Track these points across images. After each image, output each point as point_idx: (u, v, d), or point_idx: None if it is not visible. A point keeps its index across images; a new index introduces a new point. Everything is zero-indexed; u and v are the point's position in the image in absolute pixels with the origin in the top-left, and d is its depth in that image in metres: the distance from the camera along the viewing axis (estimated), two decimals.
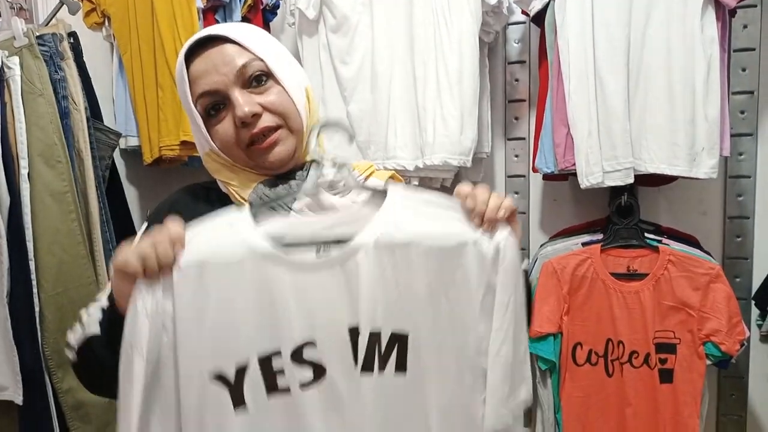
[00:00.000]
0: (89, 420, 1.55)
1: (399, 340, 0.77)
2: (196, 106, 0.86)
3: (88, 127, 1.60)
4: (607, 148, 1.39)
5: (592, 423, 1.48)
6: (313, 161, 0.81)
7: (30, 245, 1.49)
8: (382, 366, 0.76)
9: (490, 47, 1.67)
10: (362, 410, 0.76)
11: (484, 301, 0.77)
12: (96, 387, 0.88)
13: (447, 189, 1.60)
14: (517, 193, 1.78)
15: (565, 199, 1.75)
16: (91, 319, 0.83)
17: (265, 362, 0.74)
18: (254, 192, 0.85)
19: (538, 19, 1.48)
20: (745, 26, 1.53)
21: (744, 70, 1.55)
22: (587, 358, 1.48)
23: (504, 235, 0.77)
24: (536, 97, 1.65)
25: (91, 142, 1.60)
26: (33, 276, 1.49)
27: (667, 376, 1.42)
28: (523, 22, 1.69)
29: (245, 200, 0.86)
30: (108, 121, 1.79)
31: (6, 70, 1.50)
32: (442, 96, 1.45)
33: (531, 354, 1.39)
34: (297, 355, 0.75)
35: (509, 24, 1.69)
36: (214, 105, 0.85)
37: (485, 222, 0.76)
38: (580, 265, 1.47)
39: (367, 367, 0.76)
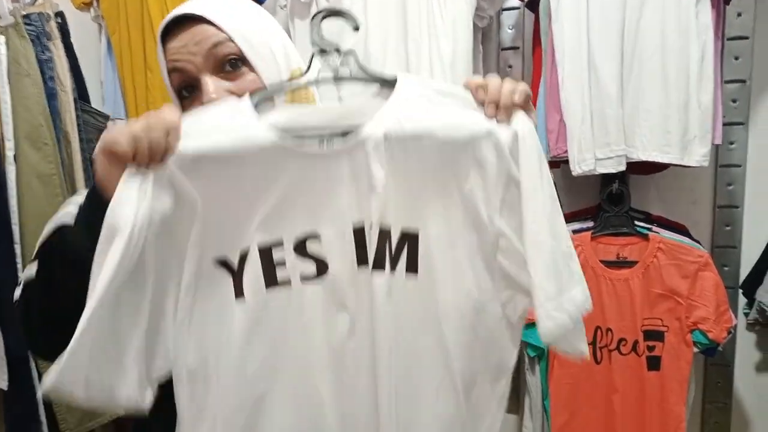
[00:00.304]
0: (75, 407, 1.54)
1: (409, 239, 0.72)
2: (169, 86, 0.82)
3: (76, 109, 1.58)
4: (599, 135, 1.39)
5: (579, 409, 1.49)
6: (315, 51, 0.73)
7: (16, 228, 1.48)
8: (393, 266, 0.71)
9: (484, 32, 1.65)
10: (368, 310, 0.71)
11: (507, 195, 0.70)
12: (55, 307, 0.71)
13: None
14: None
15: (557, 187, 1.73)
16: (58, 218, 0.75)
17: (266, 253, 0.71)
18: None
19: (533, 4, 1.47)
20: (739, 14, 1.53)
21: (737, 58, 1.55)
22: None
23: (522, 120, 0.69)
24: (529, 84, 1.64)
25: (78, 125, 1.58)
26: (18, 260, 1.47)
27: (654, 363, 1.43)
28: (518, 8, 1.68)
29: None
30: (96, 103, 1.76)
31: None
32: (440, 40, 1.44)
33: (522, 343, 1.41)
34: (300, 248, 0.71)
35: (503, 9, 1.67)
36: (186, 86, 0.80)
37: (500, 109, 0.69)
38: None
39: (377, 265, 0.71)
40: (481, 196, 0.71)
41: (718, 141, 1.40)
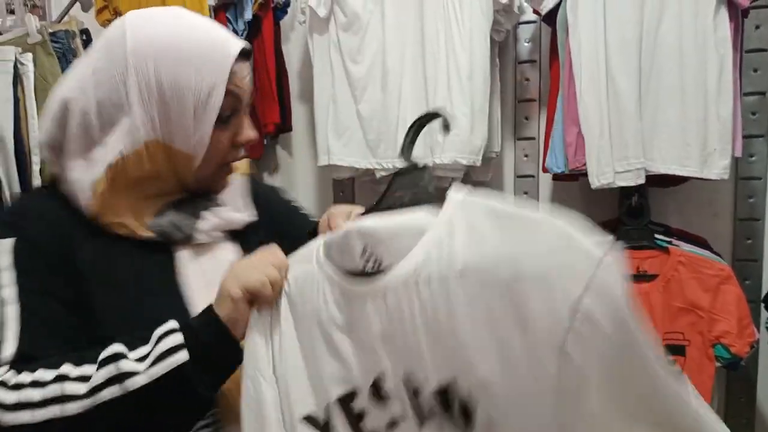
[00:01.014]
0: None
1: (449, 392, 0.59)
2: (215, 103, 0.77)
3: None
4: (618, 148, 1.39)
5: None
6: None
7: None
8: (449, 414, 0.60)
9: (501, 46, 1.66)
10: None
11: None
12: None
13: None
14: (526, 193, 1.77)
15: (575, 200, 1.74)
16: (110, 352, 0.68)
17: (345, 403, 0.65)
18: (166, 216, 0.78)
19: (550, 18, 1.48)
20: (757, 27, 1.53)
21: (756, 71, 1.54)
22: None
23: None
24: (547, 97, 1.65)
25: None
26: None
27: None
28: (534, 22, 1.68)
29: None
30: None
31: (20, 66, 1.52)
32: (453, 94, 1.46)
33: None
34: (376, 390, 0.64)
35: (520, 23, 1.68)
36: (232, 112, 0.78)
37: None
38: None
39: (422, 418, 0.62)
40: (543, 342, 0.53)
41: (738, 153, 1.39)
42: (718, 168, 1.36)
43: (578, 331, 0.51)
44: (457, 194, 0.60)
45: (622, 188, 1.49)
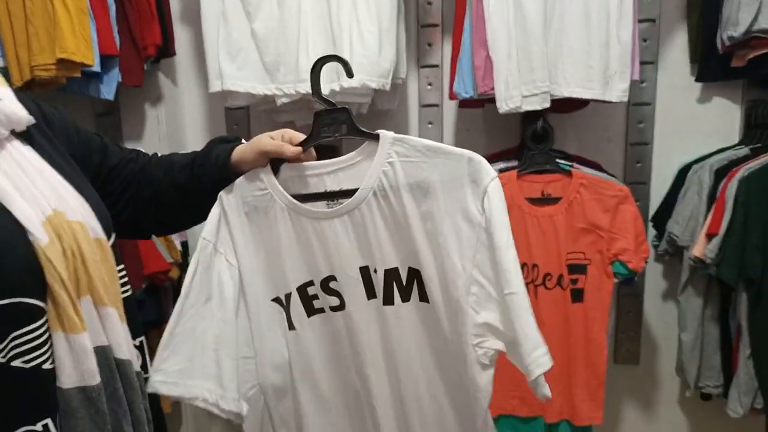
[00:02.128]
0: None
1: (416, 275, 0.89)
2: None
3: None
4: (525, 71, 1.38)
5: None
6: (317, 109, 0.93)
7: None
8: (406, 297, 0.91)
9: None
10: (379, 336, 0.92)
11: (480, 241, 0.85)
12: None
13: (363, 117, 1.52)
14: (430, 123, 1.74)
15: (478, 129, 1.73)
16: None
17: (303, 290, 0.93)
18: None
19: None
20: None
21: None
22: None
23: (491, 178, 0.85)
24: (450, 23, 1.60)
25: None
26: None
27: (578, 295, 1.47)
28: None
29: None
30: None
31: None
32: (359, 10, 1.36)
33: None
34: (325, 286, 0.92)
35: None
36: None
37: None
38: None
39: (387, 300, 0.91)
40: (459, 245, 0.86)
41: (636, 77, 1.43)
42: (618, 90, 1.39)
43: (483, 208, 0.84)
44: (387, 133, 0.88)
45: (524, 115, 1.50)
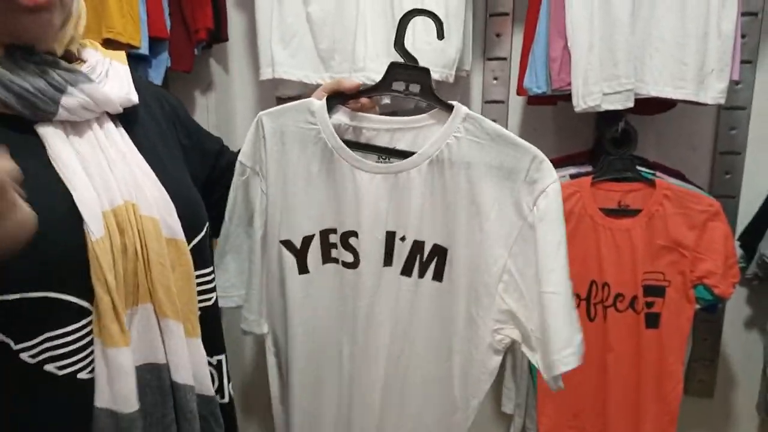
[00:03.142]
0: None
1: (439, 253, 0.89)
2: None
3: None
4: (607, 66, 1.22)
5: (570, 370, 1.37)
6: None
7: None
8: (422, 273, 0.91)
9: None
10: (388, 305, 0.92)
11: (519, 239, 0.86)
12: None
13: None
14: (494, 120, 1.59)
15: (547, 129, 1.58)
16: None
17: (324, 235, 0.92)
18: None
19: None
20: None
21: None
22: None
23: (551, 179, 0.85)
24: (521, 12, 1.46)
25: None
26: None
27: (653, 320, 1.32)
28: None
29: None
30: None
31: None
32: None
33: None
34: (344, 240, 0.91)
35: None
36: None
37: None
38: (567, 200, 1.32)
39: (406, 271, 0.91)
40: (498, 230, 0.87)
41: (736, 76, 1.26)
42: (714, 91, 1.22)
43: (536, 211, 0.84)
44: (462, 107, 0.87)
45: (599, 116, 1.35)
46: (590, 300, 1.34)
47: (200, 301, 0.74)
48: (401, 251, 0.89)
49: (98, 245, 0.62)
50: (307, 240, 0.92)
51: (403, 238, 0.89)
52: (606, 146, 1.32)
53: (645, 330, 1.32)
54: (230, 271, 0.98)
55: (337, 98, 0.89)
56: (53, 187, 0.63)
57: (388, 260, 0.90)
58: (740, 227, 1.50)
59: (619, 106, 1.24)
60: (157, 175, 0.72)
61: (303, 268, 0.94)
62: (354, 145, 0.89)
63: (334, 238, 0.92)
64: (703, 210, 1.27)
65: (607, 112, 1.28)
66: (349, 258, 0.91)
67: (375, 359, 0.94)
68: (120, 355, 0.63)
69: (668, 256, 1.30)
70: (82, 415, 0.63)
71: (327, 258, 0.93)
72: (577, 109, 1.25)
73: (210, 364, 0.73)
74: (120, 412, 0.63)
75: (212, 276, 0.79)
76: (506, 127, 1.57)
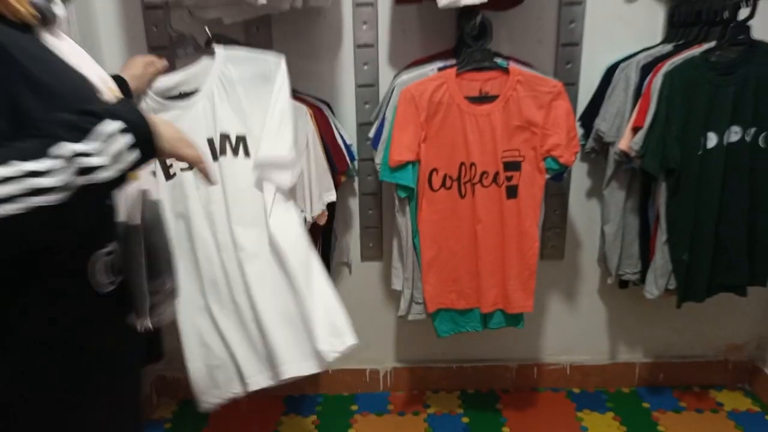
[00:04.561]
0: None
1: (242, 139, 1.37)
2: None
3: None
4: None
5: (446, 242, 1.57)
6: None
7: None
8: (235, 153, 1.37)
9: None
10: (221, 178, 1.37)
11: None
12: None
13: (297, 12, 1.45)
14: (365, 23, 1.69)
15: (414, 30, 1.70)
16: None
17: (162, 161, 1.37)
18: None
19: None
20: None
21: None
22: (442, 183, 1.53)
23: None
24: None
25: None
26: None
27: (512, 191, 1.53)
28: None
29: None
30: None
31: None
32: None
33: (391, 183, 1.55)
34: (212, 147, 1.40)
35: None
36: None
37: None
38: (436, 91, 1.47)
39: (222, 152, 1.37)
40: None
41: None
42: None
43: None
44: (220, 50, 1.39)
45: (461, 13, 1.49)
46: (461, 180, 1.53)
47: None
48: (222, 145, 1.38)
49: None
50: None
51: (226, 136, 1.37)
52: (466, 39, 1.47)
53: (506, 200, 1.53)
54: None
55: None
56: (71, 69, 0.79)
57: (215, 156, 1.38)
58: (581, 109, 1.75)
59: (476, 1, 1.38)
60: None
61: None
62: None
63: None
64: (548, 91, 1.47)
65: (466, 10, 1.42)
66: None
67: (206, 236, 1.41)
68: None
69: (522, 135, 1.50)
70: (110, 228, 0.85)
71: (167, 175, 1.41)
72: (440, 5, 1.38)
73: None
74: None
75: None
76: (377, 28, 1.69)
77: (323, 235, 1.72)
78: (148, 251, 0.85)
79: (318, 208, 1.51)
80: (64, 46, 0.81)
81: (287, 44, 1.70)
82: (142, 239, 0.84)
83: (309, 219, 1.51)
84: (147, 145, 0.75)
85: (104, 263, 0.80)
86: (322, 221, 1.55)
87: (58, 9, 0.81)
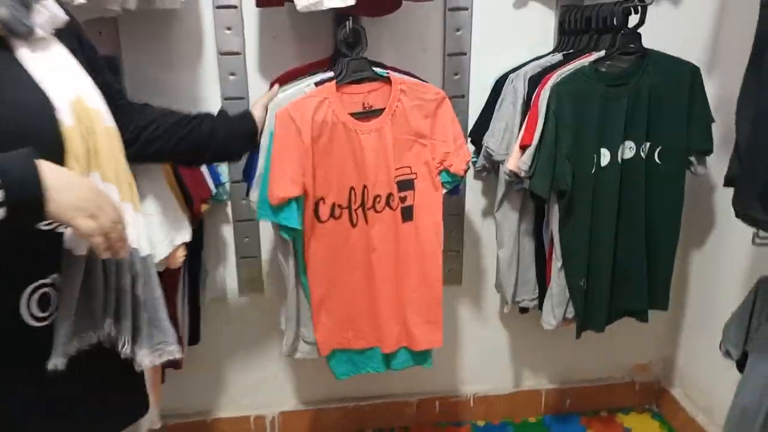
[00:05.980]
0: None
1: None
2: None
3: None
4: None
5: (338, 276, 1.38)
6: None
7: None
8: None
9: None
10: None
11: None
12: None
13: (133, 15, 1.23)
14: (229, 29, 1.48)
15: (287, 37, 1.51)
16: None
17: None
18: None
19: None
20: None
21: None
22: (331, 213, 1.34)
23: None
24: None
25: None
26: None
27: (408, 213, 1.37)
28: None
29: None
30: None
31: None
32: None
33: (273, 224, 1.32)
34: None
35: None
36: None
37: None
38: (318, 109, 1.27)
39: None
40: None
41: None
42: None
43: None
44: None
45: (336, 19, 1.32)
46: (351, 207, 1.34)
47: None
48: None
49: (71, 131, 0.79)
50: None
51: None
52: (339, 47, 1.30)
53: (402, 224, 1.36)
54: None
55: None
56: (30, 85, 0.79)
57: None
58: (471, 125, 1.62)
59: (340, 4, 1.21)
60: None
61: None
62: None
63: None
64: (432, 99, 1.33)
65: (340, 16, 1.25)
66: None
67: None
68: None
69: (412, 149, 1.34)
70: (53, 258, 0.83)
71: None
72: (299, 8, 1.20)
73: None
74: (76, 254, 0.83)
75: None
76: (243, 35, 1.49)
77: (189, 271, 1.48)
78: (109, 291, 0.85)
79: (163, 252, 1.23)
80: (37, 59, 0.81)
81: (137, 52, 1.46)
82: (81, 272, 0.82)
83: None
84: (20, 205, 0.69)
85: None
86: (176, 264, 1.29)
87: (40, 17, 0.82)
